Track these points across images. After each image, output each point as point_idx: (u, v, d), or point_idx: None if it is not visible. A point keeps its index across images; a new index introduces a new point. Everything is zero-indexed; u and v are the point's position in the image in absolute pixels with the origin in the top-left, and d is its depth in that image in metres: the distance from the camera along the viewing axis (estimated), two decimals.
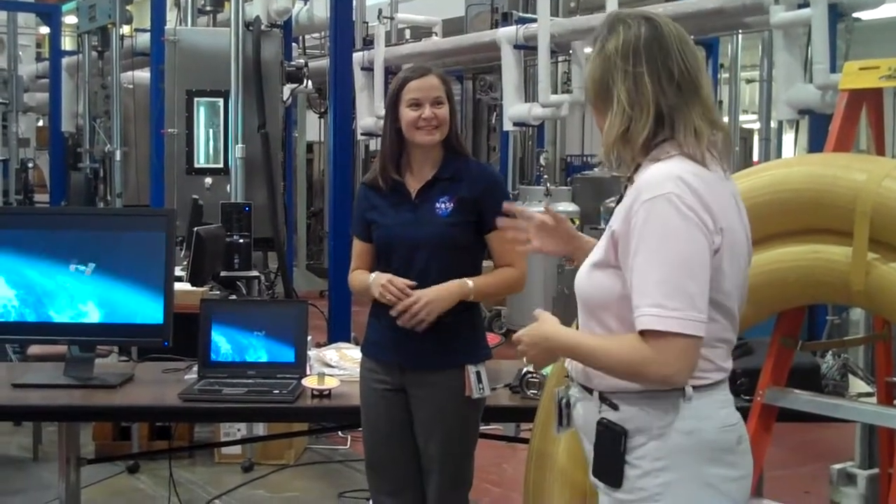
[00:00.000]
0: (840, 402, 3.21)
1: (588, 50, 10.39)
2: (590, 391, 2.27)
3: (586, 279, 2.25)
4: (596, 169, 13.16)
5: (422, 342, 3.16)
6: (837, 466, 5.40)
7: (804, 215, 2.89)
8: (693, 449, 2.15)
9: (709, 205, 2.10)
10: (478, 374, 3.20)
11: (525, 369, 3.68)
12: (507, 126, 10.81)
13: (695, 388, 2.16)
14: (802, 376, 3.38)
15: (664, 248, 2.06)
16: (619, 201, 2.27)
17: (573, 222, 10.43)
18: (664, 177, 2.11)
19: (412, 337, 3.16)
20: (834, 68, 7.48)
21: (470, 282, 3.16)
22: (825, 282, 2.89)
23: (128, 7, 9.86)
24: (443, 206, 3.18)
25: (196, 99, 7.92)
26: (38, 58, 16.79)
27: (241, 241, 6.58)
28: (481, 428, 4.94)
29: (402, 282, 3.13)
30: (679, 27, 2.23)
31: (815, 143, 8.32)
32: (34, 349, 5.76)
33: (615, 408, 2.20)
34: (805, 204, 2.86)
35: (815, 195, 2.83)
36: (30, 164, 13.05)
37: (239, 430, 5.94)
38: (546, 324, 2.29)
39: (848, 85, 3.15)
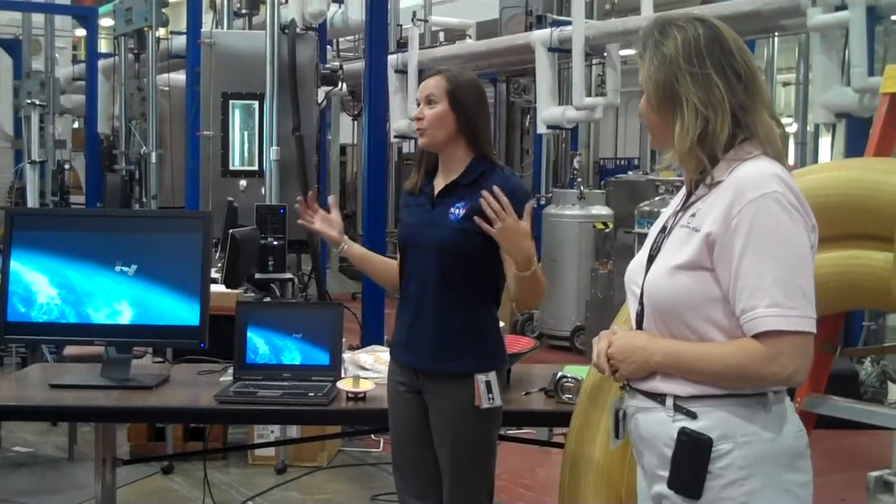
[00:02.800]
0: (880, 410, 3.17)
1: (624, 53, 10.38)
2: (658, 400, 2.22)
3: (667, 281, 2.20)
4: (630, 172, 13.12)
5: (433, 346, 3.15)
6: (874, 474, 5.32)
7: (845, 221, 2.86)
8: (775, 455, 2.13)
9: (805, 203, 2.12)
10: (487, 383, 3.12)
11: (560, 373, 3.66)
12: (541, 129, 10.80)
13: (773, 392, 2.15)
14: (840, 382, 3.35)
15: (777, 247, 2.07)
16: (685, 203, 2.25)
17: (605, 226, 10.42)
18: (765, 176, 2.11)
19: (424, 340, 3.16)
20: (872, 71, 7.41)
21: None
22: (866, 287, 2.86)
23: (164, 10, 9.89)
24: (456, 211, 3.14)
25: (231, 101, 7.95)
26: (74, 60, 16.91)
27: (276, 243, 6.59)
28: (512, 432, 4.99)
29: None
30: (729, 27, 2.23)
31: (852, 147, 8.26)
32: (70, 349, 5.81)
33: (693, 416, 2.16)
34: (846, 209, 2.83)
35: (856, 200, 2.80)
36: (66, 166, 13.13)
37: (272, 431, 5.96)
38: (638, 336, 2.27)
39: (890, 88, 3.12)
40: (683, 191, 2.34)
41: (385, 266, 3.49)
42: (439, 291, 3.14)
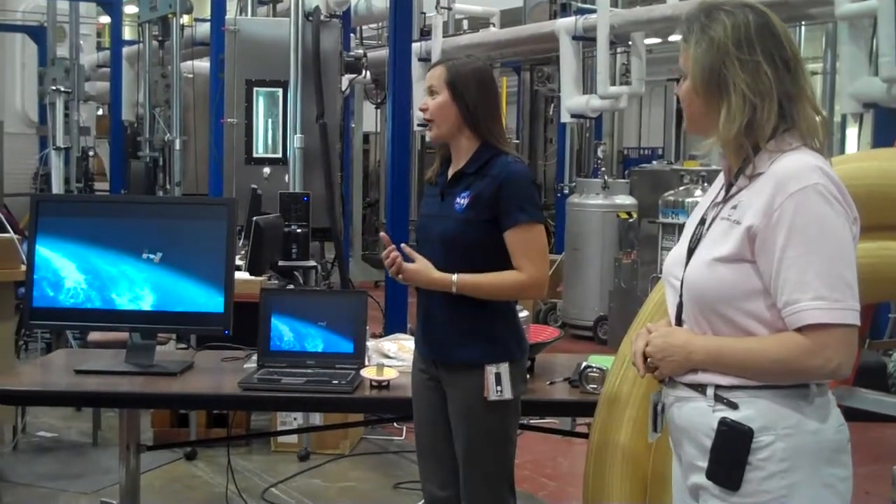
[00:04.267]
0: None
1: (649, 41, 10.31)
2: (699, 390, 2.20)
3: (708, 273, 2.18)
4: (654, 162, 13.06)
5: (444, 337, 3.15)
6: None
7: (875, 211, 2.81)
8: (817, 449, 2.11)
9: (847, 194, 2.10)
10: (497, 375, 3.10)
11: (584, 363, 3.65)
12: (565, 118, 10.77)
13: (816, 384, 2.13)
14: (868, 375, 3.32)
15: (821, 240, 2.05)
16: (726, 193, 2.23)
17: (629, 216, 10.38)
18: (807, 168, 2.09)
19: (437, 331, 3.17)
20: None
21: (454, 276, 3.07)
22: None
23: None
24: (462, 200, 3.12)
25: (255, 89, 7.94)
26: (98, 47, 16.97)
27: (299, 230, 6.60)
28: (535, 422, 4.97)
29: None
30: None
31: (880, 137, 8.20)
32: (94, 335, 5.84)
33: (734, 406, 2.13)
34: (877, 199, 2.80)
35: (887, 190, 2.77)
36: (91, 153, 13.18)
37: (295, 419, 5.97)
38: (678, 333, 2.25)
39: None
40: (721, 181, 2.31)
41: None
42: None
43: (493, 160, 3.13)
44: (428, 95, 3.18)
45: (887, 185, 2.77)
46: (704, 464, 2.17)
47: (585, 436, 5.35)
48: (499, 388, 3.10)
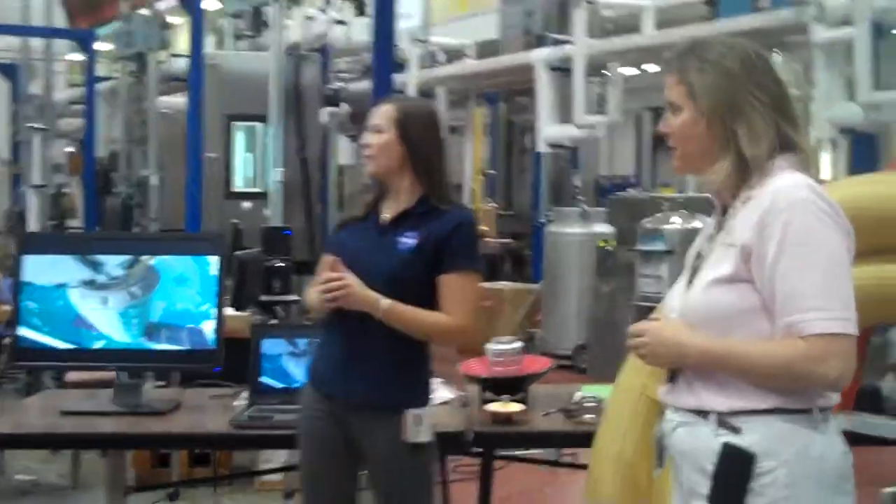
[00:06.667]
0: None
1: (624, 71, 10.37)
2: (702, 415, 2.17)
3: (706, 296, 2.17)
4: (630, 190, 13.10)
5: (362, 378, 3.05)
6: (889, 490, 5.31)
7: (873, 236, 2.81)
8: (821, 476, 2.08)
9: (838, 209, 2.12)
10: (417, 417, 3.04)
11: (580, 394, 3.62)
12: (542, 147, 10.80)
13: (820, 409, 2.11)
14: (863, 398, 3.32)
15: (814, 252, 2.06)
16: (720, 220, 2.23)
17: (608, 244, 10.37)
18: (798, 185, 2.11)
19: (361, 372, 3.06)
20: (877, 86, 7.42)
21: (385, 300, 2.99)
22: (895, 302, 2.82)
23: (164, 31, 9.88)
24: (407, 240, 3.05)
25: (234, 123, 7.92)
26: (69, 84, 16.92)
27: (281, 265, 6.54)
28: (521, 453, 4.93)
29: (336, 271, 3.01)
30: None
31: (857, 162, 8.25)
32: (72, 376, 5.72)
33: (737, 431, 2.11)
34: (875, 224, 2.80)
35: (885, 215, 2.77)
36: (65, 190, 13.11)
37: (280, 456, 5.88)
38: (675, 326, 2.23)
39: None
40: (715, 217, 2.31)
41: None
42: (381, 323, 3.01)
43: (444, 204, 3.09)
44: (373, 132, 3.10)
45: (887, 208, 2.77)
46: (706, 489, 2.13)
47: (571, 466, 5.39)
48: (418, 429, 3.04)
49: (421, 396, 3.11)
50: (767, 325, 2.11)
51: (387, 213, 3.14)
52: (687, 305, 2.22)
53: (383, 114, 3.10)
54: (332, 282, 2.98)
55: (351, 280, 2.98)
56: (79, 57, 15.94)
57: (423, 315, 3.04)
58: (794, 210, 2.07)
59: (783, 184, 2.11)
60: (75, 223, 14.21)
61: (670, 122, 2.26)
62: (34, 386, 5.97)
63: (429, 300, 3.06)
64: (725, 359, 2.13)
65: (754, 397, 2.10)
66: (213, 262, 3.78)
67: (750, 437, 2.09)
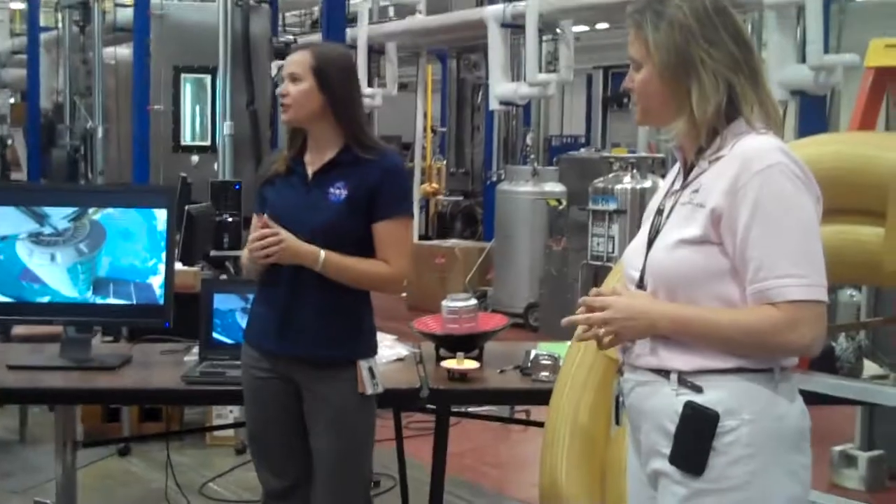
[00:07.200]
0: (866, 386, 3.16)
1: (577, 29, 10.34)
2: (663, 374, 2.15)
3: (673, 256, 2.14)
4: (582, 150, 13.13)
5: (314, 333, 3.02)
6: (838, 448, 5.40)
7: (834, 195, 2.80)
8: (781, 434, 2.08)
9: (809, 174, 2.09)
10: (370, 369, 3.04)
11: (535, 351, 3.61)
12: (493, 105, 10.75)
13: (780, 369, 2.10)
14: (817, 359, 3.33)
15: (787, 218, 2.04)
16: (685, 179, 2.19)
17: (559, 203, 10.40)
18: (770, 148, 2.08)
19: (303, 327, 3.02)
20: (827, 49, 7.45)
21: (322, 252, 2.95)
22: (854, 263, 2.84)
23: None
24: (337, 191, 3.01)
25: (183, 75, 7.78)
26: (12, 34, 16.54)
27: (231, 219, 6.47)
28: (474, 409, 4.93)
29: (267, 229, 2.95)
30: None
31: (806, 124, 8.31)
32: (18, 330, 5.62)
33: (698, 390, 2.09)
34: (836, 183, 2.79)
35: (846, 175, 2.77)
36: (8, 141, 12.85)
37: (231, 411, 5.84)
38: (641, 297, 2.19)
39: (873, 62, 3.09)
40: (676, 170, 2.28)
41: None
42: (321, 276, 2.98)
43: (371, 150, 3.03)
44: (289, 82, 3.00)
45: (847, 168, 2.77)
46: (667, 449, 2.12)
47: (524, 423, 5.42)
48: (375, 381, 3.04)
49: (369, 347, 3.10)
50: (734, 288, 2.09)
51: (311, 166, 3.08)
52: (651, 265, 2.19)
53: (300, 61, 3.01)
54: (266, 238, 2.93)
55: (285, 235, 2.94)
56: (20, 5, 15.60)
57: (362, 264, 3.02)
58: (767, 174, 2.04)
59: (756, 145, 2.08)
60: (19, 176, 13.96)
61: (633, 77, 2.22)
62: None
63: (363, 249, 3.02)
64: (697, 328, 2.10)
65: (716, 357, 2.09)
66: (161, 215, 3.70)
67: (711, 395, 2.08)
